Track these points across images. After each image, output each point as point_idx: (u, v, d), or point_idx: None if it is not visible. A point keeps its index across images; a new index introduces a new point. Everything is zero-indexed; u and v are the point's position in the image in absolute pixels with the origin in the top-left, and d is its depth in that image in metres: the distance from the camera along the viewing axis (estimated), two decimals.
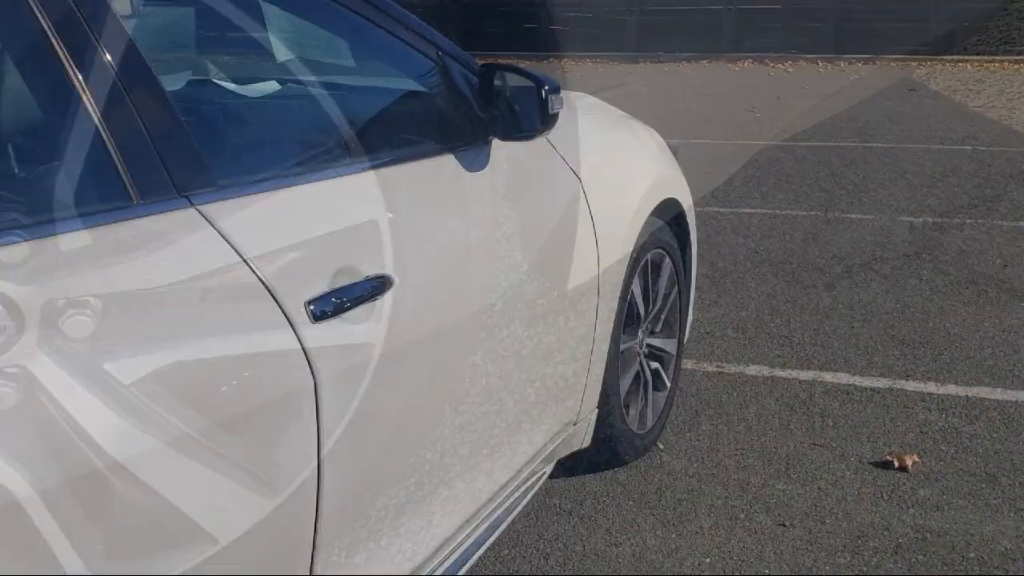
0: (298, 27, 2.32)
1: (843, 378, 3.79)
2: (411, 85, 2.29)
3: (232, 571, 1.53)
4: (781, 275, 5.07)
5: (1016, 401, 3.57)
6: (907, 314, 4.45)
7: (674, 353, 3.34)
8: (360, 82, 2.41)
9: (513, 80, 2.33)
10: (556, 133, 2.46)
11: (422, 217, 2.05)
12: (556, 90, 2.24)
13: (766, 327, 4.34)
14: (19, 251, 1.32)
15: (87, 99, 1.46)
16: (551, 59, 17.94)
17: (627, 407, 3.03)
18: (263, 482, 1.57)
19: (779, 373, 3.85)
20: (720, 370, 3.90)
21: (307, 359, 1.63)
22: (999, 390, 3.65)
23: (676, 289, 3.30)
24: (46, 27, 1.44)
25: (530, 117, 2.27)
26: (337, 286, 1.73)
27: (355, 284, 1.77)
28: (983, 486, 3.00)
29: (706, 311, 4.49)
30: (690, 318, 3.56)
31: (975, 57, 17.44)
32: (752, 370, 3.88)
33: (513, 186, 2.36)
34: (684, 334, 3.45)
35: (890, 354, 4.00)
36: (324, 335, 1.67)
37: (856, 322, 4.37)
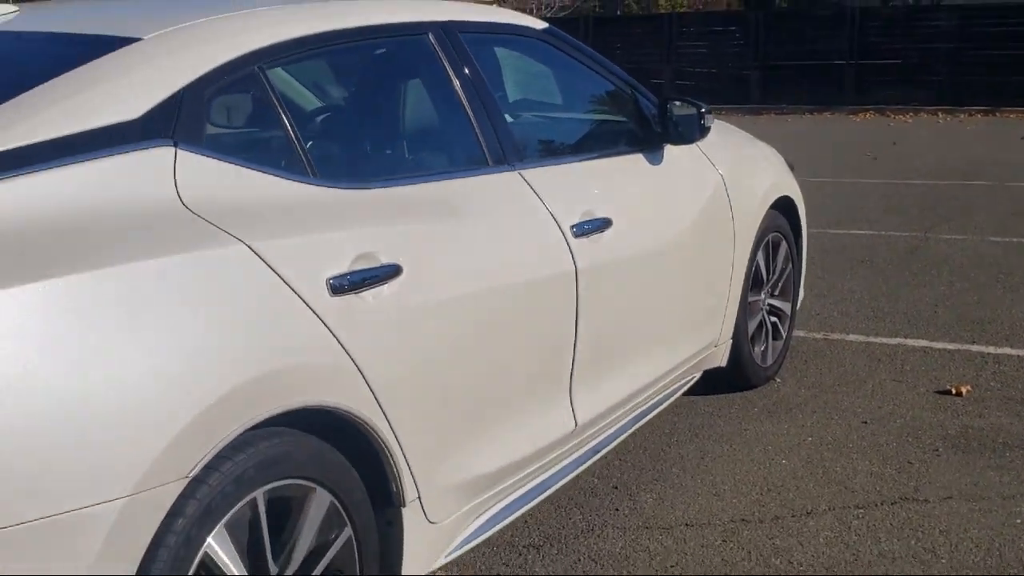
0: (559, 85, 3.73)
1: (922, 343, 4.91)
2: (620, 111, 3.60)
3: (532, 377, 2.81)
4: (882, 276, 6.20)
5: None
6: (982, 304, 5.53)
7: (788, 313, 4.52)
8: (593, 113, 3.73)
9: (678, 107, 3.59)
10: (704, 143, 3.73)
11: (627, 188, 3.34)
12: (709, 112, 3.52)
13: (865, 310, 5.48)
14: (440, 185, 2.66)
15: (468, 110, 2.80)
16: None
17: (753, 344, 4.23)
18: (550, 323, 2.85)
19: (872, 339, 4.99)
20: (826, 337, 5.05)
21: (572, 257, 2.91)
22: None
23: (791, 266, 4.49)
24: (451, 75, 2.79)
25: (691, 130, 3.54)
26: (583, 219, 3.01)
27: (593, 219, 3.04)
28: (1017, 406, 4.09)
29: (818, 299, 5.65)
30: (801, 293, 4.74)
31: None
32: (851, 337, 5.03)
33: (679, 176, 3.63)
34: (796, 301, 4.63)
35: (963, 329, 5.10)
36: (579, 245, 2.94)
37: (939, 308, 5.48)
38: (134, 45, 2.15)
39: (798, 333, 4.93)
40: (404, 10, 2.86)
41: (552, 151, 3.35)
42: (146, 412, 1.75)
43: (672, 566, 2.95)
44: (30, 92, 1.96)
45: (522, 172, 2.89)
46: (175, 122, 2.06)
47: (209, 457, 1.85)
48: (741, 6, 31.04)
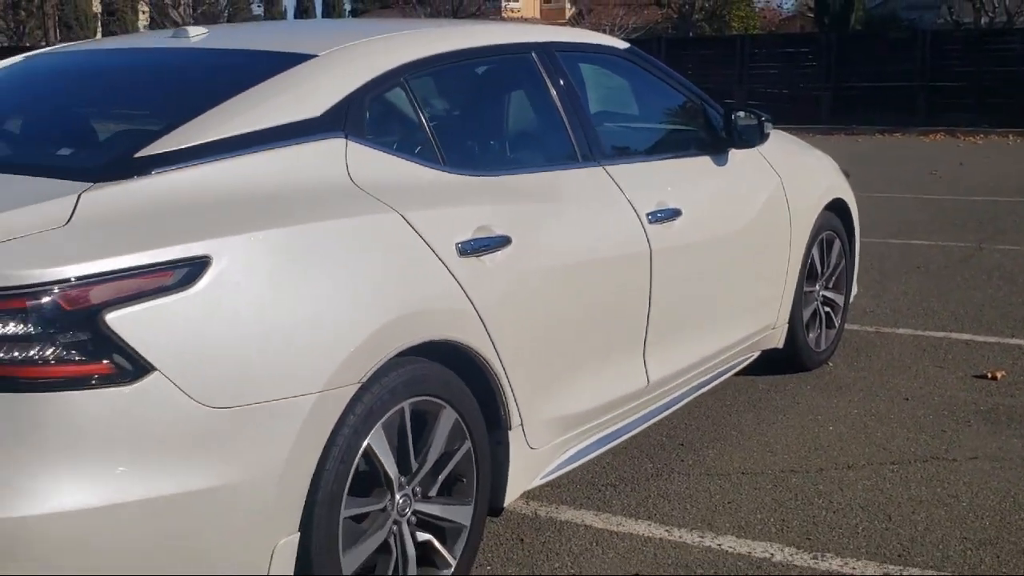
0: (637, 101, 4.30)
1: (966, 336, 5.37)
2: (690, 119, 4.16)
3: (613, 337, 3.37)
4: (935, 280, 6.65)
5: None
6: None
7: (841, 305, 5.02)
8: (666, 120, 4.30)
9: (742, 117, 4.14)
10: (764, 149, 4.27)
11: (697, 184, 3.90)
12: (769, 120, 4.07)
13: (916, 309, 5.95)
14: (532, 177, 3.24)
15: (562, 115, 3.39)
16: None
17: (808, 330, 4.74)
18: (628, 293, 3.41)
19: (920, 333, 5.46)
20: (877, 331, 5.54)
21: (647, 239, 3.47)
22: None
23: (844, 262, 5.00)
24: (549, 86, 3.38)
25: (753, 136, 4.09)
26: (657, 208, 3.57)
27: (665, 209, 3.60)
28: None
29: (873, 299, 6.12)
30: (855, 289, 5.23)
31: None
32: (901, 331, 5.51)
33: (741, 176, 4.17)
34: (849, 295, 5.12)
35: (1005, 325, 5.55)
36: (653, 230, 3.51)
37: (985, 307, 5.92)
38: (313, 60, 2.78)
39: (852, 327, 5.42)
40: (512, 33, 3.48)
41: (631, 151, 3.93)
42: (334, 331, 2.36)
43: (729, 503, 3.48)
44: (241, 95, 2.59)
45: (606, 168, 3.46)
46: (345, 119, 2.67)
47: (374, 370, 2.45)
48: (815, 28, 31.32)
